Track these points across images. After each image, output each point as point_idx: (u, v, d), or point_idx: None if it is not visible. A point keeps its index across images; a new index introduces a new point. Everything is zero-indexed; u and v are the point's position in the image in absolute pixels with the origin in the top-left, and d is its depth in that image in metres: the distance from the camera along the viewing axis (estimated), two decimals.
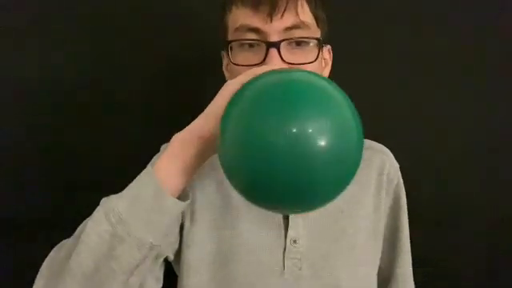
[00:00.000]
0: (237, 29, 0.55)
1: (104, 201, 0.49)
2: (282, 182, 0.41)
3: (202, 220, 0.61)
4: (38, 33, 0.82)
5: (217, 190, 0.63)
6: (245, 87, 0.46)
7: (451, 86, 0.84)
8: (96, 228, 0.47)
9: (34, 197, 0.83)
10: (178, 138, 0.50)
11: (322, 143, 0.40)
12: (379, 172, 0.66)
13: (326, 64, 0.65)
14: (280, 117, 0.40)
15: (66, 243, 0.51)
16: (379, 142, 0.69)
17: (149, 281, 0.57)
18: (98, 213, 0.48)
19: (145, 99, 0.84)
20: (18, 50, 0.82)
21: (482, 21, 0.83)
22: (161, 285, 0.60)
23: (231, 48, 0.57)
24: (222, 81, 0.53)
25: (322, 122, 0.41)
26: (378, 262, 0.66)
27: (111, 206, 0.47)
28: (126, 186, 0.50)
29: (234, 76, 0.53)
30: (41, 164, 0.83)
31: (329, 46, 0.65)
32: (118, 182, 0.50)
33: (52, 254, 0.51)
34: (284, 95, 0.42)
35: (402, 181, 0.68)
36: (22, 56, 0.82)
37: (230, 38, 0.57)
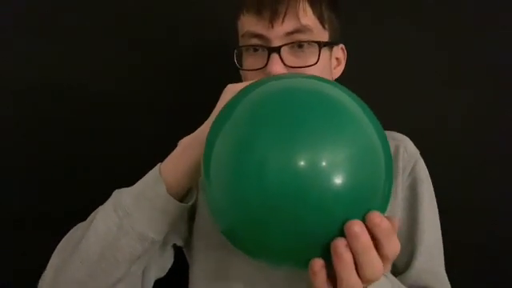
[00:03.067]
0: (243, 35, 0.59)
1: (115, 193, 0.52)
2: (284, 239, 0.31)
3: (207, 214, 0.62)
4: (39, 33, 0.81)
5: None
6: (229, 108, 0.36)
7: (452, 86, 0.84)
8: (105, 218, 0.50)
9: (36, 195, 0.83)
10: (184, 141, 0.52)
11: (340, 181, 0.29)
12: (394, 160, 0.61)
13: (339, 63, 0.65)
14: (276, 152, 0.30)
15: (81, 226, 0.54)
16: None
17: (153, 270, 0.59)
18: (108, 205, 0.51)
19: (154, 99, 0.84)
20: (18, 49, 0.81)
21: None
22: (164, 273, 0.62)
23: (240, 53, 0.60)
24: (231, 80, 0.54)
25: (339, 150, 0.30)
26: None
27: (120, 199, 0.50)
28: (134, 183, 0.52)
29: (244, 80, 0.54)
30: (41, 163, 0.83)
31: (341, 45, 0.65)
32: (124, 180, 0.53)
33: (68, 234, 0.55)
34: (283, 115, 0.31)
35: (421, 168, 0.62)
36: (22, 56, 0.81)
37: (239, 44, 0.60)
